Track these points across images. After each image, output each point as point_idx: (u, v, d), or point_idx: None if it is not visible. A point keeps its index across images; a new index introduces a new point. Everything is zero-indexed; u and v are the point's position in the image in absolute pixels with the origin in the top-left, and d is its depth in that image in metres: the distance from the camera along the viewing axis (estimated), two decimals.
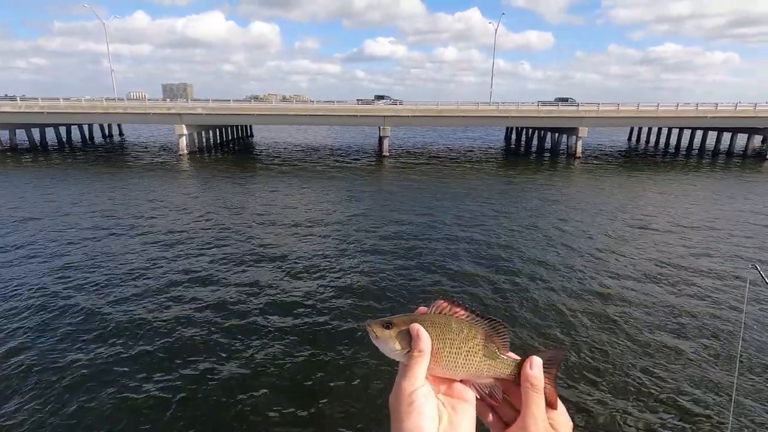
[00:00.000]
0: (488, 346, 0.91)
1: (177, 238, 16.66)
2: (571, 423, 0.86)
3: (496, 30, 58.72)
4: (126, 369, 8.60)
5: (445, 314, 0.92)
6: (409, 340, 0.88)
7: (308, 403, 7.77)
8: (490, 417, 0.92)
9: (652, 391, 8.18)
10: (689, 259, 14.88)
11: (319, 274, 13.37)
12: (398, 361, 0.91)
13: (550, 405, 0.87)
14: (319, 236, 17.12)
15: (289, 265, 13.98)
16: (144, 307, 11.09)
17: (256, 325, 10.32)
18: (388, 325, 0.90)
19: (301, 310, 11.06)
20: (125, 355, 9.06)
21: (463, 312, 0.91)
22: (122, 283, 12.50)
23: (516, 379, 0.90)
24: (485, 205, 22.50)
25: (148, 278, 12.85)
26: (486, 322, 0.92)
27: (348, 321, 10.53)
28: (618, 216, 20.52)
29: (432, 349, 0.87)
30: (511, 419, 0.91)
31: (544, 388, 0.87)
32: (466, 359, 0.89)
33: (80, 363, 8.76)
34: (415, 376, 0.85)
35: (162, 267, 13.75)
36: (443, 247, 15.92)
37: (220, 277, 13.04)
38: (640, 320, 10.73)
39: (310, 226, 18.44)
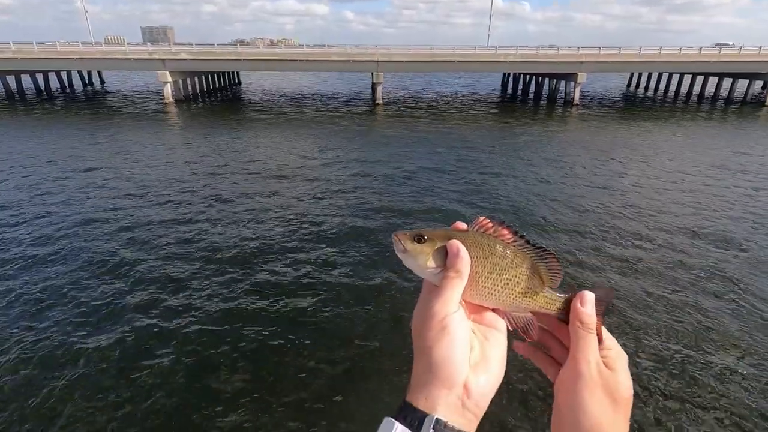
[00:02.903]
0: (533, 278, 0.81)
1: (166, 191, 16.39)
2: (625, 354, 0.78)
3: None
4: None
5: (488, 234, 0.81)
6: (444, 257, 0.79)
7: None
8: (538, 354, 0.85)
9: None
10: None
11: (314, 219, 13.34)
12: (423, 279, 0.82)
13: (598, 340, 0.79)
14: (313, 185, 16.92)
15: (285, 214, 13.90)
16: (138, 251, 11.09)
17: (249, 280, 10.41)
18: (420, 238, 0.80)
19: (297, 257, 11.13)
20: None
21: (509, 234, 0.81)
22: (114, 239, 12.42)
23: (561, 315, 0.82)
24: (480, 153, 22.22)
25: (140, 228, 12.76)
26: (536, 250, 0.81)
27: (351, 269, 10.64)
28: (609, 166, 20.43)
29: (470, 271, 0.78)
30: (559, 356, 0.83)
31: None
32: (505, 288, 0.80)
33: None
34: (450, 299, 0.76)
35: (155, 216, 13.63)
36: (436, 192, 15.86)
37: (210, 226, 12.97)
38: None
39: (303, 176, 18.17)
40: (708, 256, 11.51)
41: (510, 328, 0.82)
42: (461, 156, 21.67)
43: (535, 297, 0.81)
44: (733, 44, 58.17)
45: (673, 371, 7.32)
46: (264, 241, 12.13)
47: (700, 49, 40.37)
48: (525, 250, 0.81)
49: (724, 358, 7.66)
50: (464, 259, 0.77)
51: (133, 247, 11.74)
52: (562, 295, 0.82)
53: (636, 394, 5.76)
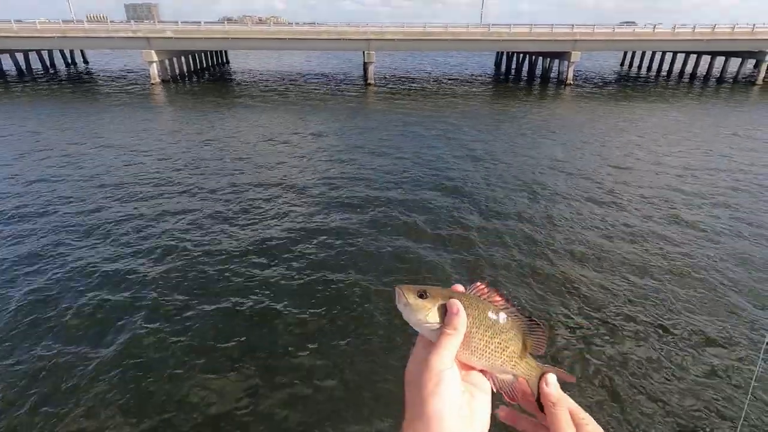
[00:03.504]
0: (519, 344, 0.88)
1: (153, 175, 16.12)
2: (601, 429, 0.82)
3: None
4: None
5: (483, 299, 0.88)
6: (443, 314, 0.84)
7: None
8: (522, 421, 0.89)
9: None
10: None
11: (304, 202, 13.24)
12: (418, 334, 0.87)
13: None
14: (302, 168, 16.74)
15: (274, 196, 13.77)
16: (126, 236, 10.95)
17: (238, 255, 10.35)
18: (423, 294, 0.85)
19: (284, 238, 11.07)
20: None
21: (500, 300, 0.88)
22: (107, 224, 12.23)
23: (536, 387, 0.87)
24: (472, 134, 22.07)
25: (133, 207, 12.58)
26: (525, 319, 0.89)
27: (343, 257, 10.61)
28: (604, 146, 20.42)
29: (465, 331, 0.84)
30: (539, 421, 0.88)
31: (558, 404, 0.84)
32: (495, 350, 0.86)
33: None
34: (446, 355, 0.81)
35: (147, 200, 13.42)
36: (427, 177, 15.77)
37: (200, 207, 12.82)
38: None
39: (292, 159, 17.95)
40: (689, 231, 11.67)
41: (494, 389, 0.87)
42: (453, 137, 21.51)
43: (519, 362, 0.87)
44: (636, 23, 55.90)
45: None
46: (252, 225, 12.03)
47: (694, 27, 40.05)
48: (515, 316, 0.88)
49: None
50: (463, 319, 0.83)
51: (111, 237, 11.59)
52: (538, 365, 0.88)
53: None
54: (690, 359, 7.28)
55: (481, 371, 0.88)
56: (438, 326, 0.83)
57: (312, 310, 8.38)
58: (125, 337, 7.64)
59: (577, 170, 16.68)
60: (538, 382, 0.86)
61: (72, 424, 6.02)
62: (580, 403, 0.83)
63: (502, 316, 0.87)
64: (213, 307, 8.46)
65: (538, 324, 0.88)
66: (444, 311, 0.84)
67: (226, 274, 9.58)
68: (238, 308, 8.44)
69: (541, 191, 14.54)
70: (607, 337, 7.75)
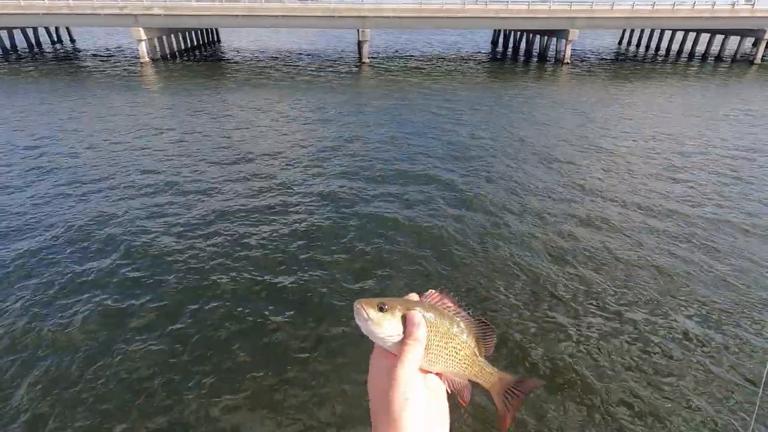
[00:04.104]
0: (472, 347, 0.92)
1: (144, 157, 15.85)
2: None
3: None
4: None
5: (437, 306, 0.91)
6: (403, 326, 0.86)
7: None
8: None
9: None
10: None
11: (299, 182, 13.09)
12: (374, 345, 0.89)
13: (501, 426, 0.92)
14: (296, 148, 16.51)
15: (267, 176, 13.60)
16: (121, 217, 10.81)
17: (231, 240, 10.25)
18: (382, 308, 0.86)
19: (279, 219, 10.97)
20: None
21: (452, 305, 0.92)
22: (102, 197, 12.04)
23: (488, 385, 0.94)
24: (468, 115, 21.81)
25: (127, 186, 12.38)
26: (476, 323, 0.93)
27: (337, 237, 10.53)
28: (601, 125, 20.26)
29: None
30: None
31: (506, 412, 0.92)
32: (449, 354, 0.89)
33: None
34: (412, 366, 0.83)
35: (140, 180, 13.22)
36: (422, 156, 15.61)
37: (190, 189, 12.65)
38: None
39: (285, 140, 17.69)
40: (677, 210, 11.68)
41: (449, 391, 0.90)
42: (449, 118, 21.26)
43: (472, 365, 0.92)
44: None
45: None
46: (247, 204, 11.89)
47: (694, 4, 39.39)
48: (466, 321, 0.92)
49: None
50: (424, 329, 0.86)
51: (103, 217, 11.42)
52: (493, 369, 0.94)
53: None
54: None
55: (437, 374, 0.90)
56: (400, 338, 0.85)
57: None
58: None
59: (572, 151, 16.57)
60: (495, 379, 0.94)
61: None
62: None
63: (456, 321, 0.91)
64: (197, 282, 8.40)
65: (488, 326, 0.94)
66: (404, 322, 0.86)
67: (222, 258, 9.50)
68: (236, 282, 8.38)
69: (538, 171, 14.45)
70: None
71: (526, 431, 5.69)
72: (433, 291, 0.94)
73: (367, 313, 0.86)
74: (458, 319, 0.91)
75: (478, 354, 0.93)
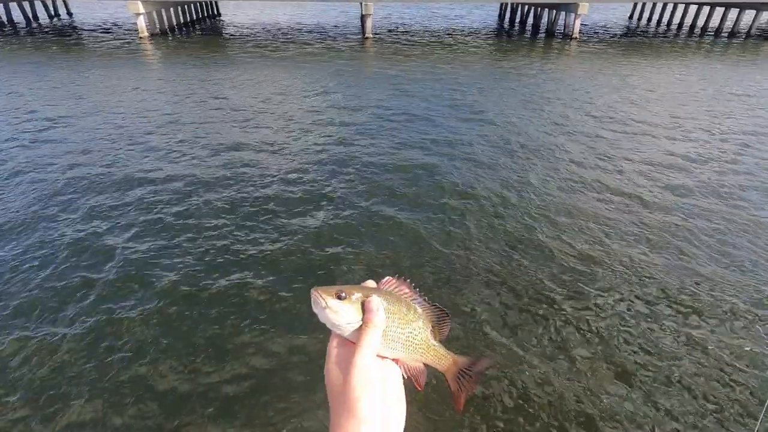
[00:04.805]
0: (428, 332, 0.94)
1: (146, 135, 15.75)
2: None
3: None
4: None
5: (394, 292, 0.93)
6: (360, 313, 0.87)
7: None
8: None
9: None
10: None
11: (303, 159, 13.02)
12: (331, 334, 0.90)
13: (456, 407, 0.96)
14: (298, 126, 16.34)
15: (270, 157, 13.52)
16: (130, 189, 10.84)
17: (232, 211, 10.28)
18: (340, 296, 0.87)
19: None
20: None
21: (408, 291, 0.94)
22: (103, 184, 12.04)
23: (443, 369, 0.96)
24: (473, 92, 21.44)
25: (128, 166, 12.38)
26: (432, 308, 0.95)
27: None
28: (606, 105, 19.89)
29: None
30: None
31: (459, 393, 0.94)
32: (406, 340, 0.90)
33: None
34: (370, 353, 0.84)
35: (137, 162, 13.19)
36: (427, 138, 15.44)
37: (193, 170, 12.62)
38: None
39: (287, 119, 17.49)
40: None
41: (405, 375, 0.92)
42: (454, 96, 20.90)
43: (428, 350, 0.93)
44: None
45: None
46: (247, 188, 11.87)
47: None
48: (422, 306, 0.94)
49: None
50: (382, 315, 0.87)
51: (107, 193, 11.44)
52: (447, 352, 0.96)
53: None
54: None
55: (394, 360, 0.91)
56: (358, 324, 0.86)
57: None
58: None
59: (579, 130, 16.32)
60: (449, 363, 0.95)
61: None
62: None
63: (412, 307, 0.93)
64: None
65: (443, 311, 0.96)
66: (361, 309, 0.87)
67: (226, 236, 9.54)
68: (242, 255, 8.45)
69: (543, 152, 14.28)
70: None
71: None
72: (391, 278, 0.95)
73: (324, 301, 0.85)
74: (415, 305, 0.93)
75: (433, 338, 0.94)
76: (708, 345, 6.76)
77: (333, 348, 0.88)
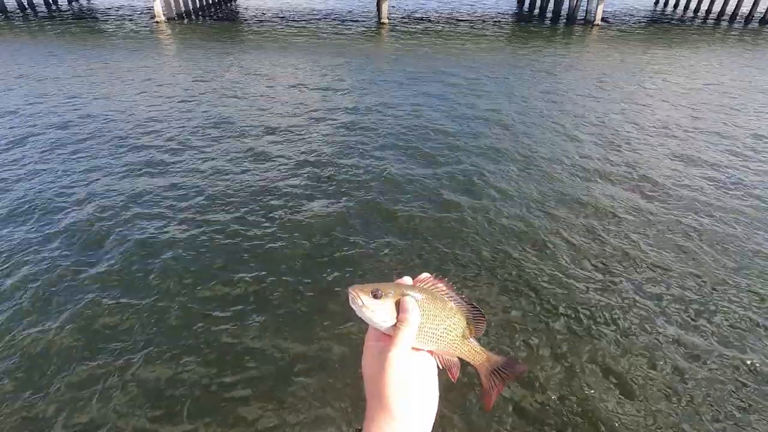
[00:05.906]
0: (463, 328, 0.98)
1: (162, 123, 15.88)
2: None
3: None
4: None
5: (430, 289, 0.96)
6: (395, 311, 0.90)
7: None
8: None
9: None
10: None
11: (311, 154, 13.04)
12: (369, 328, 0.94)
13: (486, 403, 1.00)
14: (310, 113, 16.31)
15: (287, 140, 13.56)
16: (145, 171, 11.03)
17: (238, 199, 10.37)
18: (376, 294, 0.91)
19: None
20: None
21: (444, 289, 0.97)
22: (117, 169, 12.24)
23: (477, 364, 1.00)
24: (493, 83, 21.07)
25: (136, 159, 12.56)
26: (467, 306, 0.98)
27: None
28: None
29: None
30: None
31: (491, 390, 0.99)
32: (441, 335, 0.94)
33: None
34: (405, 349, 0.87)
35: (155, 148, 13.36)
36: (444, 134, 15.28)
37: (212, 157, 12.73)
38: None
39: (302, 108, 17.46)
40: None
41: (440, 367, 0.96)
42: (473, 89, 20.53)
43: (462, 344, 0.98)
44: None
45: None
46: (265, 174, 11.94)
47: None
48: (458, 304, 0.98)
49: None
50: (416, 314, 0.90)
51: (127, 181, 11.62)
52: (481, 349, 1.00)
53: None
54: None
55: (429, 352, 0.96)
56: (393, 322, 0.90)
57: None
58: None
59: (602, 123, 15.97)
60: (483, 359, 1.00)
61: None
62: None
63: (448, 304, 0.96)
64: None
65: (478, 310, 0.98)
66: (397, 307, 0.91)
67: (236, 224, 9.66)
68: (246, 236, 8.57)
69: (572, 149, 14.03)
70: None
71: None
72: (427, 275, 0.98)
73: (361, 300, 0.90)
74: (450, 302, 0.96)
75: (468, 335, 0.98)
76: (715, 348, 6.68)
77: (370, 342, 0.92)
